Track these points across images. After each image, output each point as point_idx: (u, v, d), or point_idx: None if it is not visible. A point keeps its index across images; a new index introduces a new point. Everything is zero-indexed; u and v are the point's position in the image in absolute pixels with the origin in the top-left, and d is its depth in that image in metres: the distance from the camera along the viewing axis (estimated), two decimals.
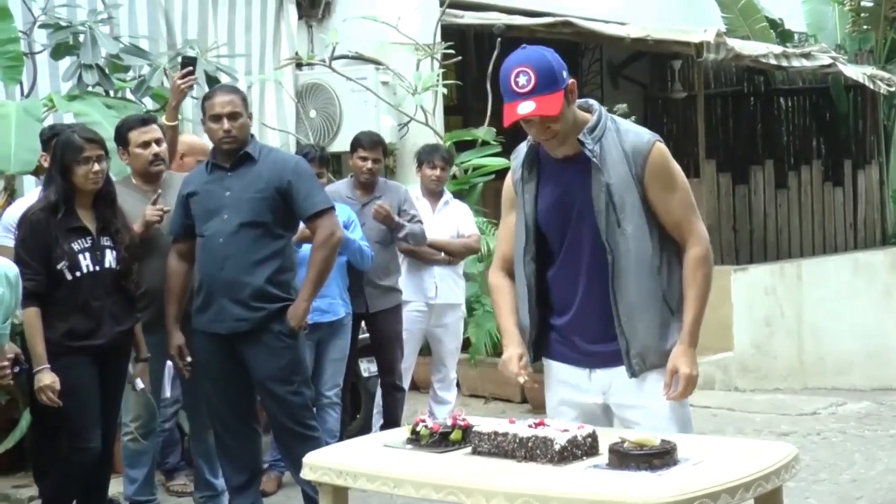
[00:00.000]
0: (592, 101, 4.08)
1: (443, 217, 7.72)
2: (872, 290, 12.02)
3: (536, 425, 3.67)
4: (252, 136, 5.78)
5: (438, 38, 9.93)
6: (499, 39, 9.97)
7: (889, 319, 12.07)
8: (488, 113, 9.92)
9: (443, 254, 7.64)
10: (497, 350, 9.05)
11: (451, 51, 9.82)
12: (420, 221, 7.29)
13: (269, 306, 5.54)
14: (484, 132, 9.68)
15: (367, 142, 7.27)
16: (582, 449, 3.59)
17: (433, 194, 7.75)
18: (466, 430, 3.83)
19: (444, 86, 9.84)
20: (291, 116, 9.99)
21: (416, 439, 3.88)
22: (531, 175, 4.07)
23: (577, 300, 4.07)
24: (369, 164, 7.21)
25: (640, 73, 13.76)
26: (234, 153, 5.61)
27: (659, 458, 3.44)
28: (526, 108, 3.83)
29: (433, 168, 7.66)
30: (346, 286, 6.96)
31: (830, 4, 13.27)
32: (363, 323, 7.27)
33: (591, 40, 11.90)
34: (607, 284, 3.98)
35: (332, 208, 5.69)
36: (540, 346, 4.17)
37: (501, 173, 9.66)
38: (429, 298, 7.59)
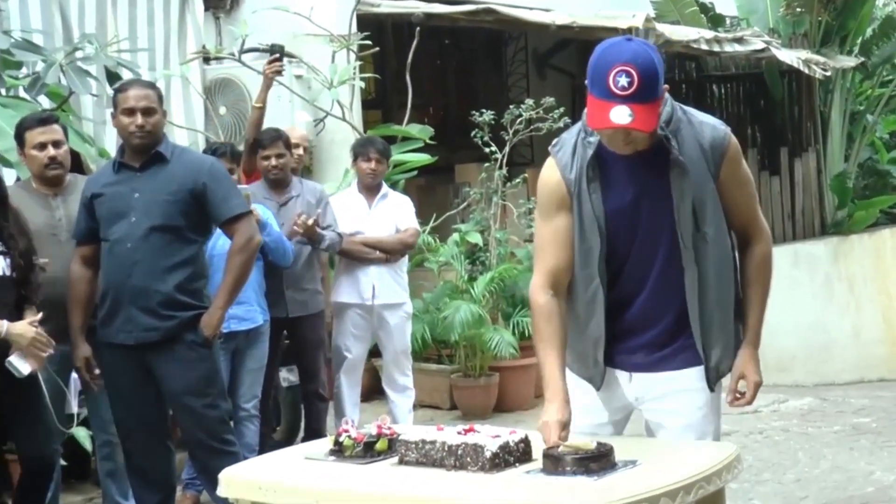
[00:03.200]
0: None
1: (380, 212, 7.47)
2: (813, 282, 11.70)
3: (466, 432, 3.54)
4: (165, 135, 5.52)
5: (354, 29, 9.44)
6: (418, 28, 9.47)
7: (831, 312, 11.75)
8: (408, 106, 9.47)
9: (378, 252, 7.36)
10: (424, 354, 8.68)
11: (368, 41, 9.29)
12: (336, 232, 7.05)
13: (180, 315, 5.32)
14: (418, 130, 9.19)
15: (266, 139, 7.05)
16: (514, 455, 3.46)
17: (369, 189, 7.49)
18: (392, 439, 3.67)
19: (362, 79, 9.31)
20: (200, 114, 9.45)
21: (339, 450, 3.70)
22: (595, 174, 3.65)
23: (639, 304, 3.74)
24: (273, 161, 6.96)
25: (567, 61, 13.31)
26: (145, 151, 5.37)
27: (595, 461, 3.32)
28: (621, 116, 3.41)
29: (368, 161, 7.43)
30: (264, 292, 6.67)
31: None
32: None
33: (515, 28, 11.44)
34: (679, 292, 3.68)
35: (250, 212, 5.56)
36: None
37: (424, 169, 9.25)
38: (365, 300, 7.33)
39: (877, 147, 13.36)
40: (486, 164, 8.84)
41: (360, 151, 7.51)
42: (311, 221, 6.78)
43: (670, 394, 3.75)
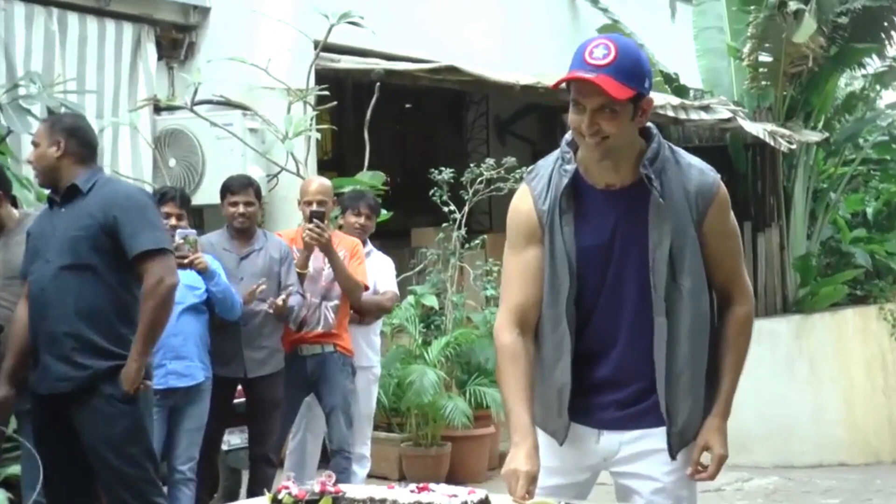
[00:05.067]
0: (650, 124, 3.43)
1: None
2: (775, 360, 11.39)
3: (420, 490, 3.20)
4: (98, 168, 5.18)
5: (312, 83, 9.10)
6: (378, 84, 9.18)
7: (792, 391, 11.47)
8: (365, 166, 9.14)
9: (352, 311, 7.02)
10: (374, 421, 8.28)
11: (327, 92, 8.95)
12: (300, 294, 6.67)
13: (97, 364, 4.88)
14: (369, 177, 8.82)
15: (236, 184, 6.70)
16: None
17: None
18: (337, 497, 3.28)
19: (318, 131, 8.95)
20: (148, 165, 9.15)
21: None
22: (569, 205, 3.41)
23: (612, 359, 3.47)
24: (241, 209, 6.61)
25: (528, 129, 13.12)
26: (47, 185, 5.13)
27: None
28: (586, 73, 3.21)
29: (358, 215, 7.24)
30: (207, 347, 6.33)
31: (727, 60, 12.75)
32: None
33: (478, 89, 11.19)
34: (649, 346, 3.41)
35: (165, 250, 5.00)
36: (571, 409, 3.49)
37: (379, 232, 8.91)
38: None
39: (839, 226, 13.17)
40: (445, 225, 8.52)
41: (350, 204, 7.32)
42: (280, 302, 6.44)
43: (642, 455, 3.47)
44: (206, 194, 8.68)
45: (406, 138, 13.15)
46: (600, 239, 3.41)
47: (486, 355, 8.04)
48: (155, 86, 9.28)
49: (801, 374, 11.71)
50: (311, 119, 8.71)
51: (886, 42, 12.59)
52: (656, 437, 3.46)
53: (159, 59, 9.48)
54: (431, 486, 3.25)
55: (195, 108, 8.75)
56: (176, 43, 9.64)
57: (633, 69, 3.25)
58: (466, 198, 8.51)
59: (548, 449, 3.46)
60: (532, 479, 3.28)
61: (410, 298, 8.37)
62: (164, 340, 6.08)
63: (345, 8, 8.79)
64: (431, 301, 8.27)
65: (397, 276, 7.64)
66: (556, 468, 3.49)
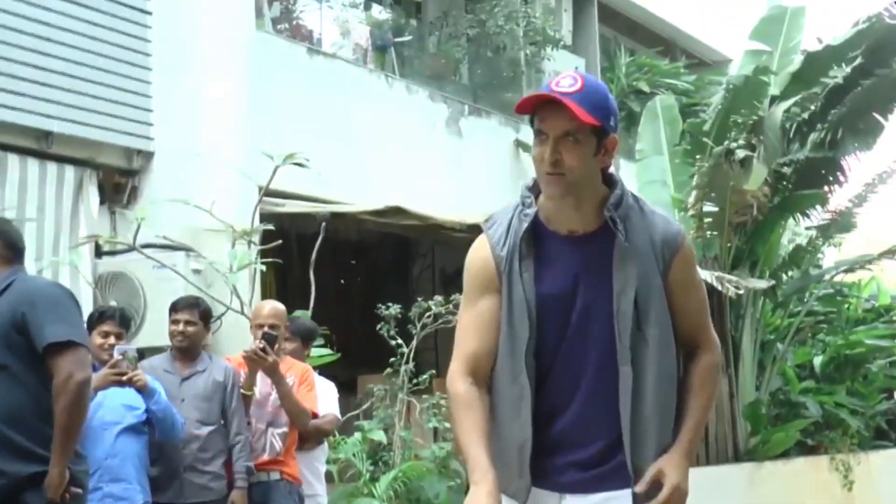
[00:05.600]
0: (612, 172, 3.35)
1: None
2: None
3: None
4: (19, 268, 4.89)
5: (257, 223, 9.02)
6: (323, 225, 9.10)
7: None
8: (310, 309, 8.99)
9: None
10: None
11: (272, 227, 8.84)
12: (245, 465, 6.43)
13: (20, 470, 4.51)
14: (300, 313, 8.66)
15: (182, 303, 6.66)
16: None
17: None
18: None
19: (264, 264, 8.77)
20: (88, 307, 8.90)
21: None
22: (528, 251, 3.30)
23: (571, 414, 3.32)
24: (181, 327, 6.49)
25: None
26: None
27: None
28: (554, 94, 3.15)
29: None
30: (146, 470, 6.09)
31: (672, 212, 12.82)
32: None
33: (423, 233, 11.14)
34: (612, 399, 3.27)
35: (74, 343, 4.61)
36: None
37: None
38: None
39: (788, 377, 13.13)
40: (392, 359, 8.37)
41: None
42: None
43: None
44: (148, 337, 8.54)
45: (351, 291, 13.05)
46: (562, 286, 3.29)
47: (436, 490, 7.81)
48: (97, 228, 9.15)
49: None
50: (256, 253, 8.57)
51: (829, 192, 12.78)
52: (622, 501, 3.29)
53: (101, 202, 9.37)
54: None
55: (137, 249, 8.61)
56: (119, 187, 9.56)
57: (599, 102, 3.20)
58: (414, 332, 8.37)
59: None
60: None
61: (357, 435, 8.15)
62: (102, 462, 5.89)
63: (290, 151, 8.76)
64: (379, 436, 8.05)
65: (343, 415, 7.47)
66: None
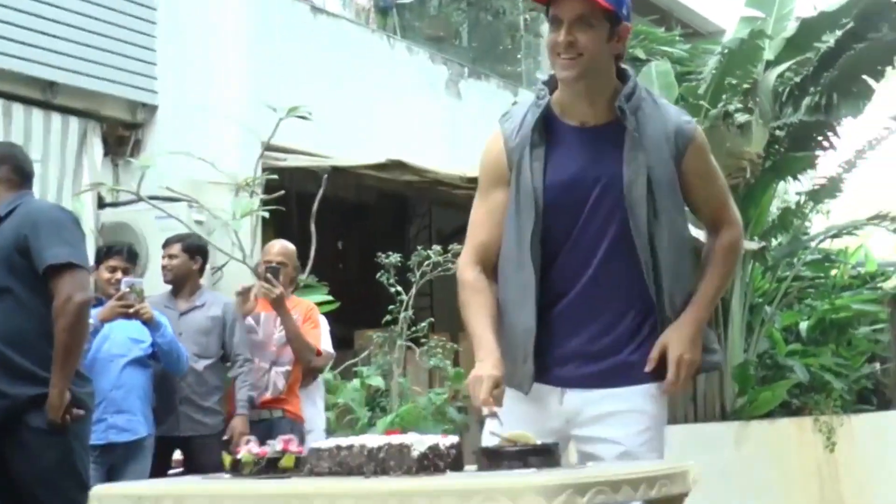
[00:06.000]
0: (626, 67, 3.47)
1: None
2: (714, 466, 11.37)
3: (388, 433, 3.04)
4: (26, 192, 4.92)
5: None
6: (325, 177, 9.26)
7: (731, 499, 11.44)
8: (310, 261, 9.16)
9: None
10: None
11: (275, 176, 8.97)
12: (248, 394, 6.62)
13: (21, 392, 4.61)
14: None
15: (167, 240, 6.90)
16: (445, 460, 2.91)
17: None
18: (300, 457, 3.13)
19: (267, 211, 8.90)
20: (92, 256, 9.05)
21: (236, 468, 3.17)
22: (540, 140, 3.39)
23: (571, 298, 3.41)
24: (164, 261, 6.74)
25: None
26: None
27: (537, 455, 2.88)
28: None
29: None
30: (150, 402, 6.27)
31: None
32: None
33: (421, 192, 11.30)
34: (619, 291, 3.39)
35: (74, 265, 4.65)
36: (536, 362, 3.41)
37: None
38: None
39: (775, 340, 13.33)
40: (391, 307, 8.53)
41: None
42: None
43: (605, 416, 3.40)
44: (150, 287, 8.61)
45: (347, 253, 13.19)
46: (572, 175, 3.38)
47: (432, 434, 7.97)
48: (100, 179, 9.28)
49: (739, 482, 11.72)
50: (259, 202, 8.73)
51: (820, 156, 12.97)
52: (622, 398, 3.40)
53: (105, 155, 9.52)
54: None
55: (142, 199, 8.76)
56: (122, 140, 9.71)
57: None
58: (414, 280, 8.54)
59: (510, 412, 3.34)
60: (496, 383, 3.25)
61: (356, 381, 8.34)
62: (106, 393, 6.03)
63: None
64: (377, 382, 8.22)
65: (339, 366, 7.63)
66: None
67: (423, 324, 8.58)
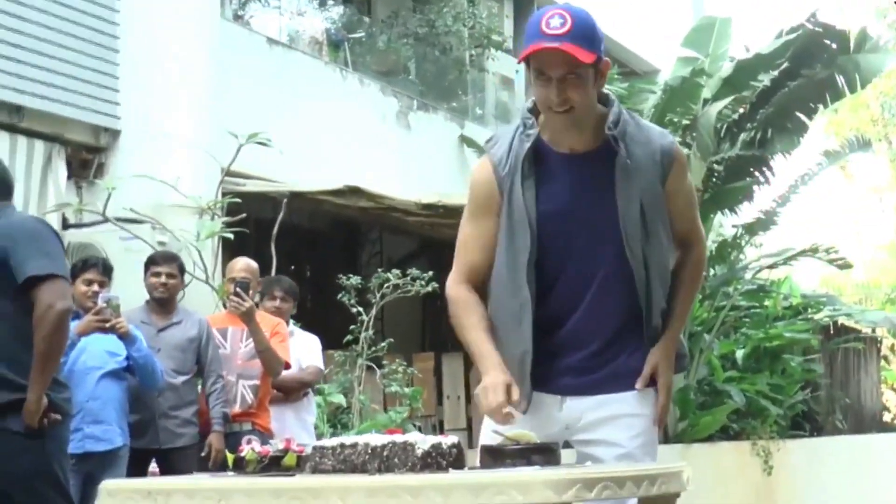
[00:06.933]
0: (607, 91, 3.52)
1: None
2: None
3: (390, 432, 3.13)
4: (6, 205, 4.88)
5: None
6: (284, 201, 9.53)
7: None
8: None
9: (274, 391, 7.15)
10: None
11: (238, 199, 9.23)
12: (222, 411, 6.76)
13: None
14: None
15: (161, 256, 6.97)
16: (447, 459, 3.02)
17: None
18: (302, 456, 3.25)
19: (231, 232, 9.07)
20: None
21: (240, 466, 3.28)
22: (530, 170, 3.42)
23: (572, 322, 3.49)
24: (163, 279, 6.79)
25: (420, 268, 13.48)
26: None
27: (540, 454, 3.01)
28: (552, 44, 3.25)
29: (273, 300, 7.39)
30: (126, 414, 6.37)
31: None
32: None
33: (374, 219, 11.57)
34: (615, 311, 3.48)
35: (55, 276, 4.61)
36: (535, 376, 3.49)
37: None
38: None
39: (713, 367, 13.72)
40: (352, 327, 8.79)
41: (265, 290, 7.44)
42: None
43: (604, 421, 3.49)
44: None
45: (301, 276, 13.42)
46: (564, 203, 3.42)
47: None
48: (65, 201, 9.45)
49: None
50: (221, 225, 8.94)
51: (756, 189, 13.42)
52: (620, 403, 3.49)
53: (69, 177, 9.67)
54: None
55: (108, 220, 8.94)
56: (86, 163, 9.85)
57: (589, 33, 3.32)
58: (374, 301, 8.81)
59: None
60: (508, 385, 3.32)
61: (318, 398, 8.56)
62: (83, 404, 6.06)
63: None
64: (339, 399, 8.45)
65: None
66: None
67: (382, 344, 8.82)
